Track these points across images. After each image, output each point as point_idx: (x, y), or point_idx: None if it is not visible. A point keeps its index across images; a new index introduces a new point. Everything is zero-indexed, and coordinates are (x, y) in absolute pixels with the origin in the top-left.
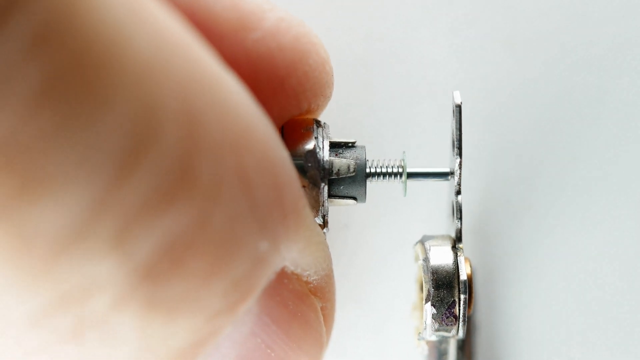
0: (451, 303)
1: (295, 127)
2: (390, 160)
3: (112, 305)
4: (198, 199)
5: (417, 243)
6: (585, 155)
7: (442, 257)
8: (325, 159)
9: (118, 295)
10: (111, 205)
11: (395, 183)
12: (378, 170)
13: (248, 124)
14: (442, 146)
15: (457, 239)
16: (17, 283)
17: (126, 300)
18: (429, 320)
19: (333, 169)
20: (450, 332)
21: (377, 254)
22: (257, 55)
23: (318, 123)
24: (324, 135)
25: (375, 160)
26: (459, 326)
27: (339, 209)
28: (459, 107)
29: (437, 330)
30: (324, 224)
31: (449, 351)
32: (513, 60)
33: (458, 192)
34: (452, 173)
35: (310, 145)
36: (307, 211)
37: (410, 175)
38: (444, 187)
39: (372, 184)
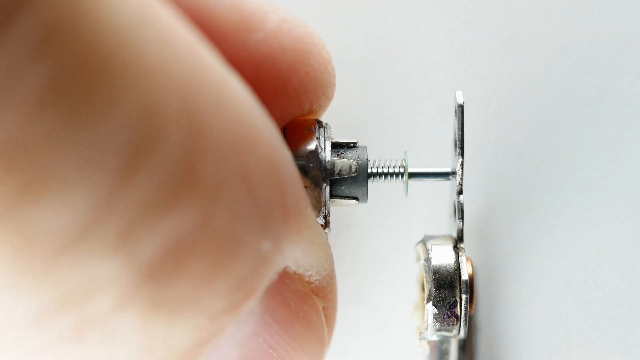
0: (453, 303)
1: (297, 128)
2: (391, 160)
3: (114, 306)
4: (201, 199)
5: (418, 243)
6: (585, 155)
7: (443, 257)
8: (327, 160)
9: (120, 295)
10: (114, 206)
11: (396, 183)
12: (379, 170)
13: (251, 125)
14: (442, 146)
15: (459, 238)
16: (19, 283)
17: (129, 300)
18: (431, 320)
19: (335, 169)
20: (451, 332)
21: (378, 254)
22: (260, 56)
23: (320, 123)
24: (326, 135)
25: (376, 160)
26: (460, 326)
27: (340, 209)
28: (461, 107)
29: (439, 330)
30: (326, 224)
31: (450, 351)
32: (513, 60)
33: (460, 192)
34: (453, 173)
35: (312, 146)
36: (309, 211)
37: (412, 175)
38: (446, 187)
39: (373, 184)
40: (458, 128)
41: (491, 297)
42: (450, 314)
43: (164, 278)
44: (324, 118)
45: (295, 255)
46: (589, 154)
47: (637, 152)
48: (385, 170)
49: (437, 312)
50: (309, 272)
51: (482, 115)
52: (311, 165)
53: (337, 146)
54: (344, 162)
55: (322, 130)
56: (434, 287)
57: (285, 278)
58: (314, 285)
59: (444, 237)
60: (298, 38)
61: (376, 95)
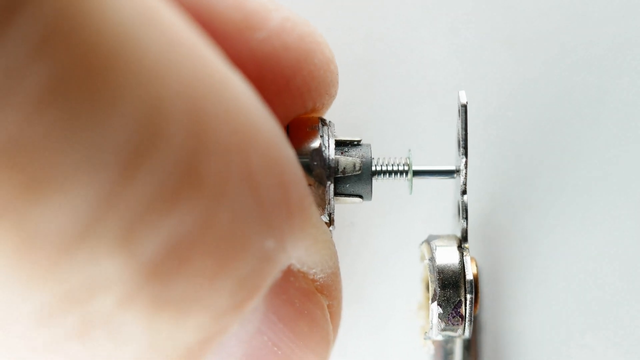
0: (457, 303)
1: (300, 126)
2: (395, 158)
3: (118, 304)
4: (203, 197)
5: (423, 243)
6: (586, 155)
7: (448, 256)
8: (331, 158)
9: (124, 294)
10: (117, 204)
11: (401, 181)
12: (384, 168)
13: (254, 123)
14: (444, 145)
15: (463, 238)
16: (22, 282)
17: (132, 299)
18: (435, 319)
19: (339, 167)
20: (456, 331)
21: (382, 252)
22: (263, 54)
23: (323, 122)
24: (330, 133)
25: (380, 158)
26: (465, 326)
27: (344, 207)
28: (464, 107)
29: (444, 329)
30: (330, 222)
31: (454, 351)
32: (513, 60)
33: (464, 192)
34: (457, 171)
35: (315, 144)
36: (314, 209)
37: (416, 173)
38: (450, 187)
39: (377, 182)
40: (461, 128)
41: (495, 297)
42: (455, 314)
43: (167, 276)
44: (326, 117)
45: (299, 253)
46: (589, 154)
47: (637, 152)
48: (389, 168)
49: (441, 311)
50: (314, 270)
51: (483, 114)
52: (315, 163)
53: (341, 144)
54: (348, 160)
55: (325, 128)
56: (439, 287)
57: (290, 276)
58: (318, 283)
59: (448, 237)
60: (301, 36)
61: (377, 94)
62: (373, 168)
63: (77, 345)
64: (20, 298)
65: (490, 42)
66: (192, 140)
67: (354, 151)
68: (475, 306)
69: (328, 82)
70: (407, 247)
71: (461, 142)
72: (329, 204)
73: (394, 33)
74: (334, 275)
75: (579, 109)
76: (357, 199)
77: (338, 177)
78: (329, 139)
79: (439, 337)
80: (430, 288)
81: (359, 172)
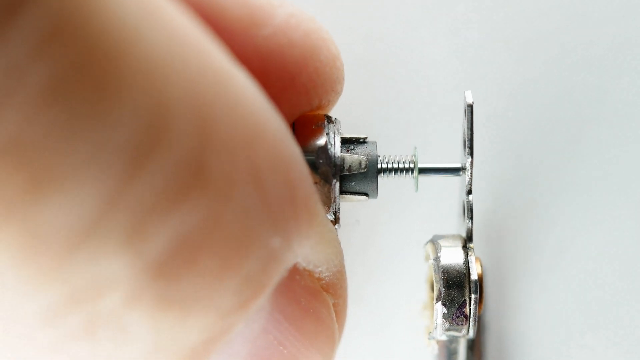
0: (462, 303)
1: (306, 123)
2: (401, 156)
3: (124, 303)
4: (210, 195)
5: (427, 242)
6: (585, 155)
7: (453, 256)
8: (336, 155)
9: (130, 292)
10: (122, 203)
11: (406, 179)
12: (389, 166)
13: (260, 120)
14: (444, 145)
15: (468, 238)
16: (28, 281)
17: (138, 298)
18: (440, 319)
19: (344, 165)
20: (460, 331)
21: (387, 251)
22: (268, 51)
23: (329, 119)
24: (335, 131)
25: (386, 156)
26: (469, 326)
27: (350, 205)
28: (470, 107)
29: (448, 329)
30: (336, 220)
31: (458, 351)
32: (513, 60)
33: (469, 192)
34: (463, 169)
35: (321, 141)
36: (319, 207)
37: (422, 170)
38: (454, 186)
39: (383, 180)
40: (467, 128)
41: (500, 297)
42: (459, 314)
43: (173, 275)
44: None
45: (305, 252)
46: (589, 154)
47: (637, 152)
48: (395, 166)
49: (446, 311)
50: (319, 269)
51: (483, 114)
52: (321, 161)
53: (346, 142)
54: (354, 158)
55: (331, 125)
56: (443, 287)
57: (295, 274)
58: (324, 281)
59: (453, 236)
60: (306, 33)
61: (378, 94)
62: (379, 166)
63: (82, 345)
64: (26, 298)
65: (490, 42)
66: (198, 137)
67: (359, 149)
68: (479, 306)
69: (334, 79)
70: (412, 246)
71: (467, 142)
72: (334, 202)
73: (394, 33)
74: (340, 274)
75: (579, 109)
76: (363, 197)
77: (344, 175)
78: (334, 136)
79: (443, 337)
80: (434, 288)
81: (365, 169)
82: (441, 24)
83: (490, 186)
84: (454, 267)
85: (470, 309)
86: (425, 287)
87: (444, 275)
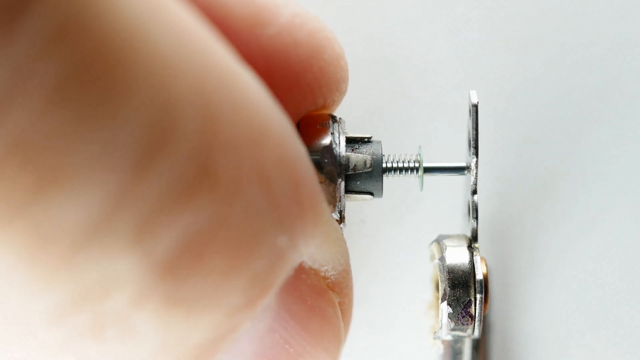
0: (467, 302)
1: (311, 123)
2: (406, 155)
3: (131, 302)
4: (217, 194)
5: (432, 242)
6: (585, 155)
7: (458, 256)
8: (341, 155)
9: (137, 292)
10: (129, 202)
11: (411, 178)
12: (394, 165)
13: (266, 119)
14: (445, 145)
15: (473, 238)
16: (35, 280)
17: (145, 297)
18: (445, 319)
19: (350, 164)
20: (465, 331)
21: (392, 250)
22: (273, 51)
23: (334, 118)
24: (340, 130)
25: (391, 155)
26: (474, 326)
27: (355, 204)
28: (475, 107)
29: (453, 329)
30: (341, 220)
31: (463, 350)
32: (513, 60)
33: (474, 192)
34: (468, 168)
35: (326, 141)
36: (325, 207)
37: (427, 169)
38: (459, 186)
39: (388, 179)
40: (472, 128)
41: (505, 297)
42: (464, 314)
43: (181, 274)
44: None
45: (311, 251)
46: (589, 154)
47: (637, 152)
48: (400, 165)
49: (451, 311)
50: (325, 267)
51: (483, 114)
52: (326, 160)
53: (351, 141)
54: (359, 157)
55: (336, 125)
56: (449, 287)
57: (301, 273)
58: (329, 280)
59: (458, 236)
60: (311, 32)
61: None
62: (384, 165)
63: (89, 345)
64: (33, 297)
65: (490, 42)
66: (205, 136)
67: (364, 148)
68: (484, 306)
69: (338, 78)
70: (417, 245)
71: (472, 142)
72: (339, 201)
73: (394, 33)
74: (345, 273)
75: (579, 109)
76: (368, 196)
77: (349, 174)
78: (339, 136)
79: (449, 337)
80: (440, 287)
81: (370, 169)
82: (441, 24)
83: (495, 186)
84: (459, 266)
85: (475, 309)
86: (431, 287)
87: (449, 275)
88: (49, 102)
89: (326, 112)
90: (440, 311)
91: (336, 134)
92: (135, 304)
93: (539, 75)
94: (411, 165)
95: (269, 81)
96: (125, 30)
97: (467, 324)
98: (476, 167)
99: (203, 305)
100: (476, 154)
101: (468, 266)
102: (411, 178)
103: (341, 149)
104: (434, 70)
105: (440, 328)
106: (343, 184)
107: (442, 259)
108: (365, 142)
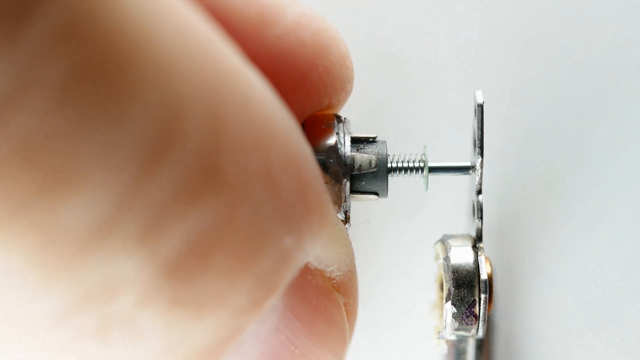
0: (471, 302)
1: (316, 123)
2: (411, 155)
3: (137, 303)
4: (223, 195)
5: (437, 242)
6: (585, 155)
7: (462, 256)
8: (347, 155)
9: (143, 292)
10: (135, 203)
11: (416, 178)
12: (399, 165)
13: (271, 119)
14: (451, 144)
15: (478, 238)
16: (40, 281)
17: (151, 297)
18: (449, 319)
19: (355, 164)
20: (470, 331)
21: (397, 250)
22: (278, 51)
23: (339, 118)
24: (345, 130)
25: (396, 155)
26: (479, 325)
27: (359, 204)
28: (481, 107)
29: (457, 329)
30: (346, 220)
31: (467, 350)
32: (513, 60)
33: (479, 192)
34: (473, 167)
35: (331, 141)
36: (330, 207)
37: (432, 169)
38: (464, 186)
39: (393, 179)
40: (477, 128)
41: (509, 297)
42: (469, 314)
43: (187, 275)
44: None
45: (316, 251)
46: (589, 154)
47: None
48: (405, 165)
49: (455, 311)
50: (330, 268)
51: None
52: (331, 160)
53: (356, 141)
54: (364, 157)
55: (341, 125)
56: (453, 286)
57: (307, 274)
58: (335, 281)
59: (463, 236)
60: (316, 32)
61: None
62: (389, 165)
63: (94, 345)
64: (38, 298)
65: (490, 42)
66: (211, 136)
67: (369, 148)
68: (489, 306)
69: (344, 78)
70: (422, 245)
71: (477, 142)
72: (345, 201)
73: (394, 33)
74: (351, 273)
75: (579, 109)
76: (373, 196)
77: (354, 175)
78: (344, 136)
79: (453, 337)
80: (444, 287)
81: (375, 169)
82: (441, 24)
83: (500, 186)
84: (464, 266)
85: (479, 309)
86: (435, 287)
87: (454, 275)
88: (55, 103)
89: (331, 112)
90: (444, 311)
91: (341, 134)
92: (141, 305)
93: (539, 75)
94: (416, 165)
95: (275, 81)
96: (132, 30)
97: (471, 324)
98: (481, 167)
99: (209, 306)
100: (481, 153)
101: (472, 266)
102: (416, 178)
103: (346, 149)
104: (438, 70)
105: (445, 328)
106: (348, 184)
107: (446, 258)
108: (370, 142)
